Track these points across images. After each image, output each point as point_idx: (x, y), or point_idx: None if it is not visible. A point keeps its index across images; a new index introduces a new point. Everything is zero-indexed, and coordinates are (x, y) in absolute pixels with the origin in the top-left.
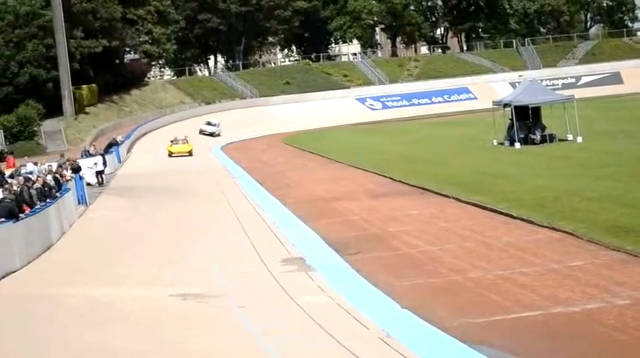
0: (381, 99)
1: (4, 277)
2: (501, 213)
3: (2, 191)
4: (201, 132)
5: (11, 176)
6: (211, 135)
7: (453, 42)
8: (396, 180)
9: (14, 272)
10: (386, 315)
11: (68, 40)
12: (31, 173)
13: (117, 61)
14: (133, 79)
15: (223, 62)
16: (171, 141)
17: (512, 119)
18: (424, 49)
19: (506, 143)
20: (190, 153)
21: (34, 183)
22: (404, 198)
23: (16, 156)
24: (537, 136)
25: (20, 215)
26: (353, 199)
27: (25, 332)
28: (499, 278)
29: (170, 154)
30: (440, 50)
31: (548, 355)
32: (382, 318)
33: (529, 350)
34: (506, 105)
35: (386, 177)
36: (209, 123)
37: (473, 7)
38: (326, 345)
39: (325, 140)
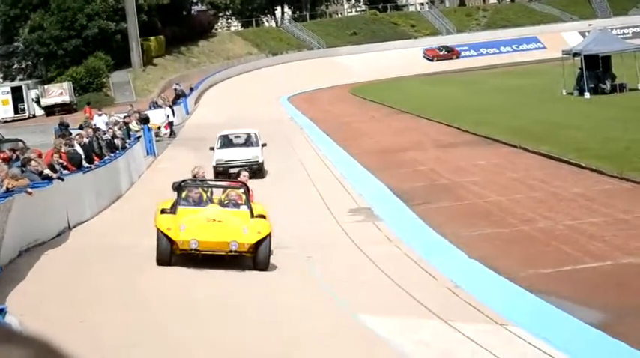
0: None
1: (74, 227)
2: (570, 163)
3: (64, 144)
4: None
5: (81, 127)
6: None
7: None
8: (463, 130)
9: (84, 222)
10: (454, 265)
11: None
12: (97, 124)
13: (184, 13)
14: (200, 30)
15: (290, 13)
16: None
17: (581, 68)
18: None
19: (576, 93)
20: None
21: (104, 133)
22: (471, 149)
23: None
24: (607, 86)
25: (90, 165)
26: (420, 149)
27: (89, 280)
28: (568, 228)
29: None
30: None
31: (618, 305)
32: (450, 268)
33: (598, 301)
34: (575, 54)
35: (453, 127)
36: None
37: None
38: (394, 294)
39: (392, 91)
